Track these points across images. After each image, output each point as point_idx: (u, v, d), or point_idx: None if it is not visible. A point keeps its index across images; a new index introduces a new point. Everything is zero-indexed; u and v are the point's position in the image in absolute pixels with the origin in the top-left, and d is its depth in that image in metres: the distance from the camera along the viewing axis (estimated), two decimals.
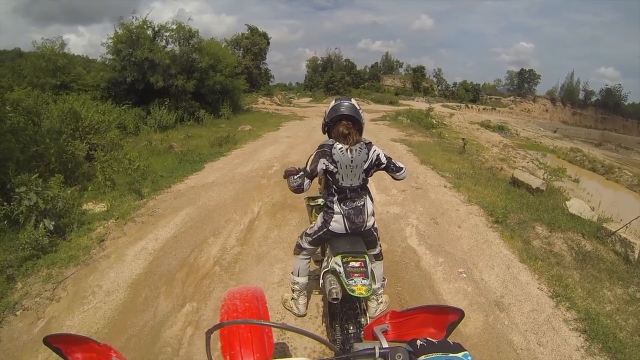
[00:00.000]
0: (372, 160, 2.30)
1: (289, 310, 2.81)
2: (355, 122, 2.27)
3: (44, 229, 3.80)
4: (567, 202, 5.50)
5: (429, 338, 0.81)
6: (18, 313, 2.87)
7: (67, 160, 5.83)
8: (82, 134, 6.94)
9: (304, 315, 2.77)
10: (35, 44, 12.82)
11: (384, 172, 2.46)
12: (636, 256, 4.09)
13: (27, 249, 3.54)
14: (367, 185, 2.40)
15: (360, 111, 2.31)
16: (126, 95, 13.29)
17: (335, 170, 2.25)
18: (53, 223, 3.95)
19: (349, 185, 2.28)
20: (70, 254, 3.66)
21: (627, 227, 4.51)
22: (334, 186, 2.30)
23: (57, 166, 5.54)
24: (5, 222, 3.98)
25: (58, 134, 6.09)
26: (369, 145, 2.30)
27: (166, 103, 13.24)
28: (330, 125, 2.34)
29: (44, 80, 11.45)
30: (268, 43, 36.50)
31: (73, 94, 10.02)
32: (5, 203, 4.00)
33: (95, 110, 8.23)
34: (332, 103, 2.36)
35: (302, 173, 2.29)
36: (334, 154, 2.22)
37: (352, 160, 2.24)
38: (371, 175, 2.40)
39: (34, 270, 3.38)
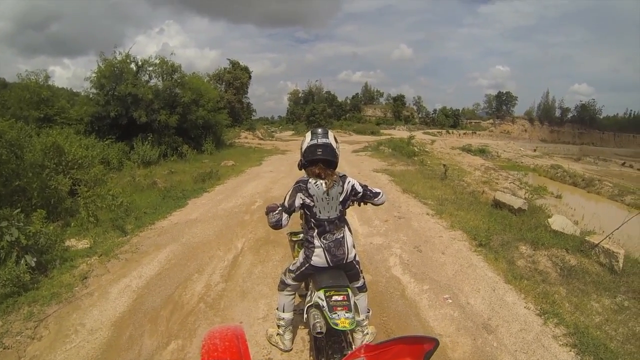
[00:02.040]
0: (347, 191, 2.41)
1: (274, 345, 2.86)
2: (331, 163, 2.38)
3: (26, 265, 3.77)
4: (549, 219, 5.59)
5: None
6: None
7: (50, 196, 5.80)
8: (66, 168, 6.91)
9: (290, 350, 2.82)
10: (19, 75, 12.86)
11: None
12: (621, 265, 4.21)
13: (8, 285, 3.50)
14: (345, 217, 2.50)
15: (336, 145, 2.39)
16: (109, 130, 13.29)
17: (312, 203, 2.35)
18: (35, 259, 3.92)
19: (327, 218, 2.37)
20: (52, 292, 3.63)
21: (609, 237, 4.64)
22: (312, 220, 2.38)
23: (39, 201, 5.51)
24: None
25: (41, 168, 6.09)
26: (343, 177, 2.42)
27: (149, 138, 13.35)
28: (306, 165, 2.41)
29: (27, 113, 11.38)
30: (250, 77, 37.14)
31: (56, 127, 10.00)
32: None
33: (79, 144, 8.22)
34: (308, 139, 2.37)
35: (280, 209, 2.34)
36: (310, 188, 2.33)
37: (327, 193, 2.34)
38: (348, 207, 2.50)
39: (14, 308, 3.34)
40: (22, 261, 3.82)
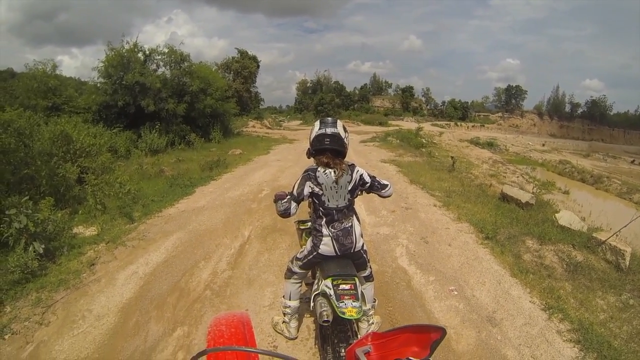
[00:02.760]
0: (355, 180, 2.39)
1: (280, 333, 2.84)
2: (339, 152, 2.36)
3: (34, 252, 3.80)
4: (556, 215, 5.52)
5: (411, 358, 0.83)
6: (6, 337, 2.85)
7: (58, 183, 5.82)
8: (73, 156, 6.95)
9: (296, 338, 2.80)
10: (27, 65, 12.91)
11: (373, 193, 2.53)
12: (627, 263, 4.16)
13: (17, 272, 3.53)
14: (354, 206, 2.47)
15: (345, 135, 2.36)
16: (117, 119, 13.33)
17: (321, 192, 2.33)
18: (43, 246, 3.94)
19: (335, 206, 2.35)
20: (60, 278, 3.65)
21: (617, 235, 4.57)
22: (321, 208, 2.37)
23: (47, 189, 5.54)
24: None
25: (49, 157, 6.12)
26: (352, 167, 2.41)
27: (157, 127, 13.35)
28: (315, 154, 2.41)
29: (35, 102, 11.41)
30: (258, 66, 37.22)
31: (64, 116, 10.06)
32: None
33: (87, 133, 8.24)
34: (317, 128, 2.36)
35: (289, 197, 2.33)
36: (319, 177, 2.31)
37: (336, 182, 2.32)
38: (356, 196, 2.47)
39: (23, 294, 3.37)
40: (30, 248, 3.84)
